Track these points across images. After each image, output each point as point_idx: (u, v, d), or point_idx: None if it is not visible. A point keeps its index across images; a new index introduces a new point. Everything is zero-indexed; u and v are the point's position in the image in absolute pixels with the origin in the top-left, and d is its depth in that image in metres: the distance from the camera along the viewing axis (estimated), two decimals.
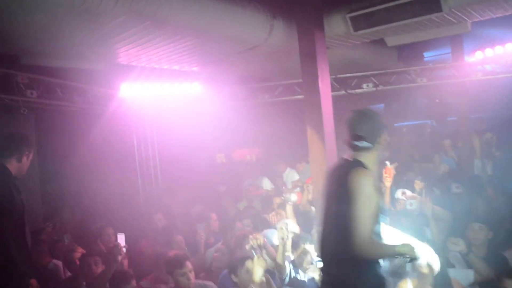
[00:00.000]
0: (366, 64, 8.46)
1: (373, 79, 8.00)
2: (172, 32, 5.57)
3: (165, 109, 8.07)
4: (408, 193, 6.49)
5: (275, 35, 6.04)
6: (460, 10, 5.49)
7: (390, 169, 6.56)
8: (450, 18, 5.85)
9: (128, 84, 7.52)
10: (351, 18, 5.76)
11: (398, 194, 6.41)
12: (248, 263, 3.82)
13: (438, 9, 5.26)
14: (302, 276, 4.29)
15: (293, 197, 5.65)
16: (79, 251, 4.78)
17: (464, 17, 5.82)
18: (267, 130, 10.41)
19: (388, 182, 6.45)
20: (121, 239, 3.73)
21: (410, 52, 9.81)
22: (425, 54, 11.46)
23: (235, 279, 3.89)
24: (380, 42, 7.73)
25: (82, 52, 6.03)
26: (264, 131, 10.28)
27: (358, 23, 5.76)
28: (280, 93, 8.20)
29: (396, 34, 6.51)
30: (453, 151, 8.91)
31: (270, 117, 9.54)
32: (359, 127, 2.81)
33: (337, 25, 6.03)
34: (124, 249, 3.71)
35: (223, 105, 8.42)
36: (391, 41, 6.73)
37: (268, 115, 9.46)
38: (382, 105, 14.68)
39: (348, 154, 2.91)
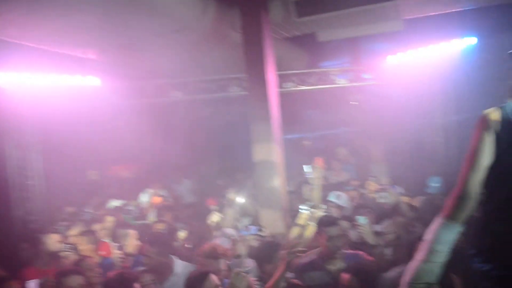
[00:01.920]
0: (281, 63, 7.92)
1: (293, 78, 7.48)
2: None
3: (51, 107, 6.46)
4: (343, 195, 6.00)
5: (209, 16, 5.12)
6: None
7: (321, 160, 5.98)
8: (390, 12, 5.60)
9: (3, 71, 5.85)
10: (296, 3, 5.13)
11: (332, 197, 5.90)
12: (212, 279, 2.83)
13: None
14: None
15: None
16: None
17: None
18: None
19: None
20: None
21: (311, 58, 9.59)
22: (322, 65, 11.44)
23: None
24: (294, 42, 7.27)
25: None
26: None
27: (303, 8, 5.16)
28: (194, 91, 7.19)
29: (331, 28, 6.06)
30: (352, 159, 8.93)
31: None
32: None
33: (277, 10, 5.35)
34: None
35: (122, 104, 7.11)
36: (323, 36, 6.26)
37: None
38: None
39: None
